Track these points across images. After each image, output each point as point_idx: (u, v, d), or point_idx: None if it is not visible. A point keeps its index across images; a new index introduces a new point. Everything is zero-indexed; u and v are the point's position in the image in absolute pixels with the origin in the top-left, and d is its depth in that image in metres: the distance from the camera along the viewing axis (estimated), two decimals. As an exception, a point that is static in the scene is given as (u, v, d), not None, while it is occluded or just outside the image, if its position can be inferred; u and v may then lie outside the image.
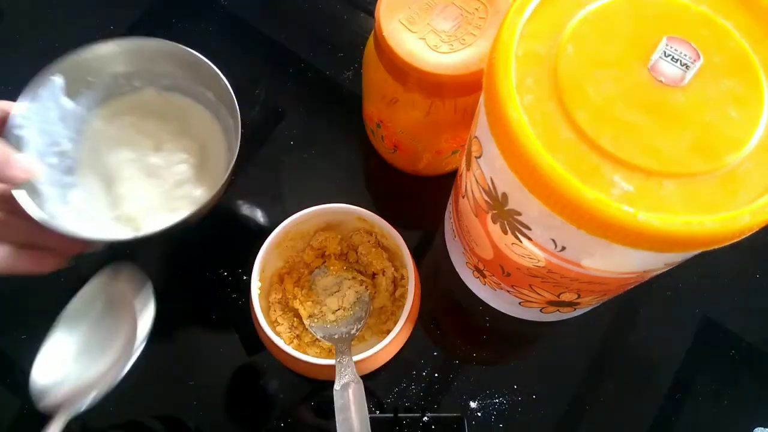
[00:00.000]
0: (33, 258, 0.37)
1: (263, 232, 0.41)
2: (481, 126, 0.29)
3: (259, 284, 0.41)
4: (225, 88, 0.42)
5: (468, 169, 0.34)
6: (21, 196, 0.37)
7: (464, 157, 0.35)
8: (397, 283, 0.44)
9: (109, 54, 0.43)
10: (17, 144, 0.38)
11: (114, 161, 0.43)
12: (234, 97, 0.41)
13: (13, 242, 0.36)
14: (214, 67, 0.42)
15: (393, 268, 0.44)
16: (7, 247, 0.36)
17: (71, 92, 0.42)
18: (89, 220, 0.42)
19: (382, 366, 0.40)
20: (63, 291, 0.39)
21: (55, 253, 0.38)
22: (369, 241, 0.45)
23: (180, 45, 0.43)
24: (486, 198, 0.31)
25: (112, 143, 0.44)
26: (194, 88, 0.45)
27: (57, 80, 0.41)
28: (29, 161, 0.37)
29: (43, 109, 0.40)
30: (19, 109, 0.38)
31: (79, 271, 0.40)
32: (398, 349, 0.41)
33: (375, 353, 0.38)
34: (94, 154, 0.44)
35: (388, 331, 0.39)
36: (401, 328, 0.39)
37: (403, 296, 0.42)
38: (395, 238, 0.42)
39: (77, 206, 0.42)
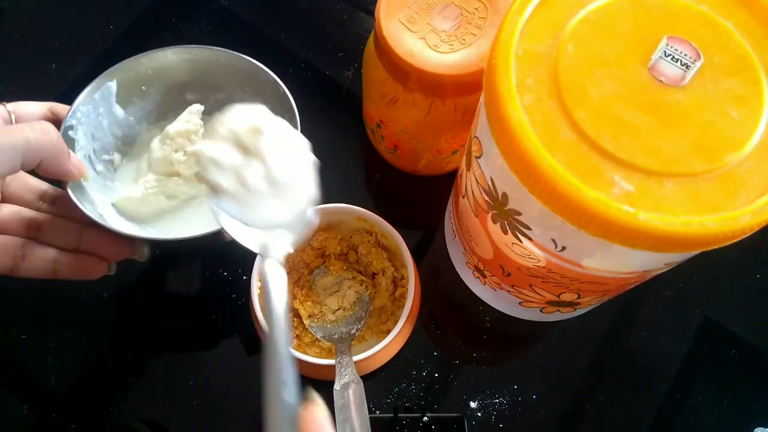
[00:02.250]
0: (78, 263, 0.35)
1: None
2: (481, 126, 0.29)
3: (259, 284, 0.41)
4: (285, 97, 0.39)
5: (468, 169, 0.34)
6: (73, 196, 0.35)
7: (464, 157, 0.35)
8: (397, 283, 0.44)
9: (164, 62, 0.41)
10: (70, 145, 0.37)
11: (151, 182, 0.41)
12: (295, 107, 0.39)
13: (58, 245, 0.35)
14: (274, 76, 0.40)
15: (393, 268, 0.44)
16: (51, 250, 0.35)
17: (124, 101, 0.41)
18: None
19: (382, 366, 0.40)
20: (62, 292, 0.39)
21: (100, 260, 0.36)
22: (369, 241, 0.45)
23: (239, 54, 0.41)
24: (486, 198, 0.31)
25: (157, 165, 0.41)
26: (249, 101, 0.42)
27: (111, 85, 0.39)
28: (80, 161, 0.36)
29: (95, 114, 0.39)
30: (72, 111, 0.37)
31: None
32: (398, 349, 0.41)
33: (375, 353, 0.38)
34: (137, 171, 0.42)
35: (388, 331, 0.39)
36: (401, 328, 0.39)
37: (403, 296, 0.42)
38: (395, 238, 0.42)
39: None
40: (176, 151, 0.40)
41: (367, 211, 0.42)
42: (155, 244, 0.40)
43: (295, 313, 0.44)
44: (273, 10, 0.58)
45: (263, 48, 0.56)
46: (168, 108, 0.44)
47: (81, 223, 0.36)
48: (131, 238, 0.36)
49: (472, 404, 0.43)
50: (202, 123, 0.41)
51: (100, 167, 0.40)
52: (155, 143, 0.41)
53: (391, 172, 0.51)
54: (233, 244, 0.32)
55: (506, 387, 0.44)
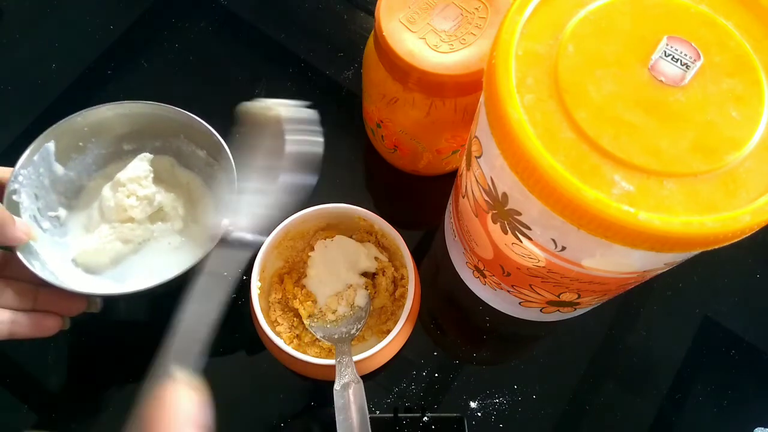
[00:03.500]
0: (34, 323, 0.37)
1: (263, 233, 0.41)
2: (481, 126, 0.29)
3: (259, 284, 0.41)
4: (218, 144, 0.41)
5: (468, 169, 0.34)
6: (23, 258, 0.37)
7: (464, 157, 0.35)
8: (397, 283, 0.44)
9: (100, 119, 0.43)
10: (14, 209, 0.39)
11: (106, 231, 0.43)
12: (230, 154, 0.41)
13: (14, 307, 0.37)
14: (207, 125, 0.42)
15: (393, 268, 0.44)
16: (7, 312, 0.36)
17: (63, 158, 0.43)
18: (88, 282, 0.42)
19: (382, 366, 0.40)
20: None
21: (55, 316, 0.38)
22: (369, 241, 0.45)
23: (171, 107, 0.43)
24: (486, 198, 0.31)
25: (110, 213, 0.43)
26: (185, 148, 0.45)
27: (49, 146, 0.41)
28: (26, 224, 0.38)
29: (36, 175, 0.41)
30: (14, 175, 0.39)
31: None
32: (398, 349, 0.41)
33: (375, 353, 0.38)
34: (88, 221, 0.44)
35: (388, 331, 0.39)
36: (401, 328, 0.39)
37: (403, 296, 0.42)
38: (395, 238, 0.42)
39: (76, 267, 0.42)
40: (128, 197, 0.42)
41: (367, 211, 0.42)
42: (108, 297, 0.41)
43: (295, 313, 0.44)
44: (273, 10, 0.58)
45: (263, 48, 0.56)
46: (107, 159, 0.45)
47: (34, 284, 0.37)
48: (83, 294, 0.38)
49: (472, 404, 0.43)
50: (151, 169, 0.43)
51: (46, 225, 0.42)
52: (106, 191, 0.43)
53: (391, 172, 0.51)
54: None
55: (506, 387, 0.44)
